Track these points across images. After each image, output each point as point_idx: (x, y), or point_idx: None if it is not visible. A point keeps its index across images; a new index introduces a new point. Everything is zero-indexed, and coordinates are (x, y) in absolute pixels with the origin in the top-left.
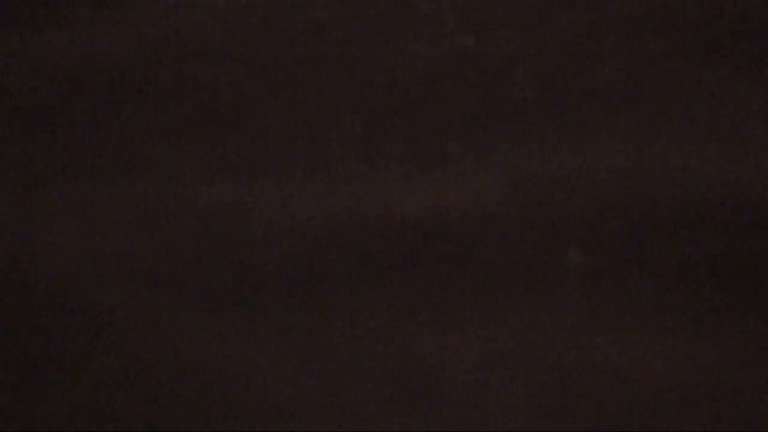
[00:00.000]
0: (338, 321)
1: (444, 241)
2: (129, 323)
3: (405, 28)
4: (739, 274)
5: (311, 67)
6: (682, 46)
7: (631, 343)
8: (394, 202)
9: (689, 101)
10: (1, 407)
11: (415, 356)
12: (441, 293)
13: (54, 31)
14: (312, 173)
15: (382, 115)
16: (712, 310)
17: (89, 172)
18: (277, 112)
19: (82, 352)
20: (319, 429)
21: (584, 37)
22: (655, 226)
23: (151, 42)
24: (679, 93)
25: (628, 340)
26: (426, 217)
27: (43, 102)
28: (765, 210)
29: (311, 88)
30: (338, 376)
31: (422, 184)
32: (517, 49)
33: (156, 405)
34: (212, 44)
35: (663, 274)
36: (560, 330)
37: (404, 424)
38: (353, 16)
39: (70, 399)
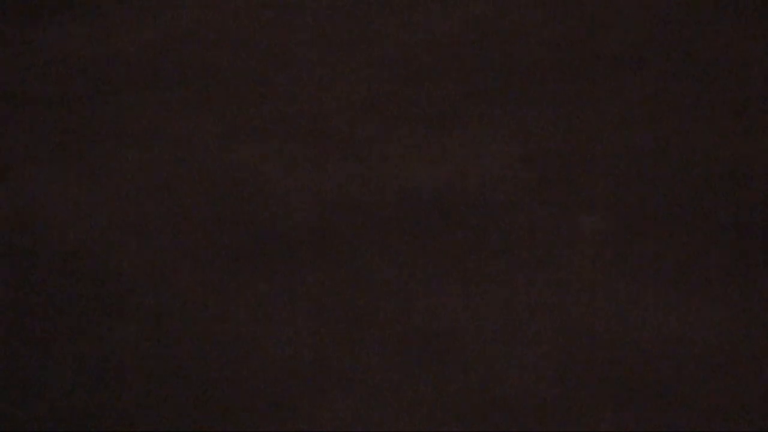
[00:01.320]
0: (355, 284)
1: (461, 207)
2: (146, 286)
3: (420, 5)
4: (753, 241)
5: (323, 46)
6: (693, 9)
7: (647, 305)
8: (410, 169)
9: (702, 65)
10: (21, 360)
11: (432, 319)
12: (458, 258)
13: (78, 23)
14: (327, 140)
15: (397, 84)
16: (727, 273)
17: (107, 143)
18: (287, 85)
19: (100, 313)
20: (335, 390)
21: (597, 4)
22: (669, 193)
23: (168, 34)
24: (692, 56)
25: (644, 302)
26: (443, 184)
27: (66, 89)
28: None
29: (324, 64)
30: (356, 337)
31: (439, 151)
32: (529, 17)
33: (172, 365)
34: (225, 36)
35: (678, 238)
36: (577, 293)
37: (423, 384)
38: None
39: (88, 357)
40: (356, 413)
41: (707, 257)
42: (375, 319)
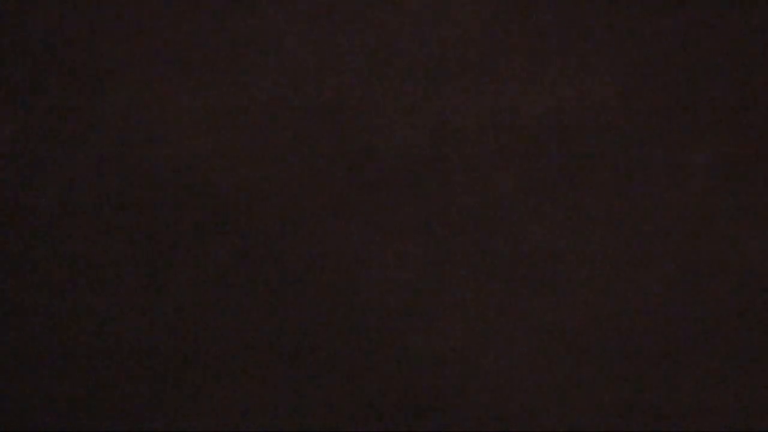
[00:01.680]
0: (456, 213)
1: (566, 138)
2: (253, 206)
3: None
4: None
5: None
6: None
7: (758, 241)
8: (514, 100)
9: None
10: (132, 274)
11: (540, 244)
12: (563, 188)
13: None
14: (430, 70)
15: (498, 15)
16: None
17: (217, 62)
18: (393, 16)
19: (208, 229)
20: (446, 313)
21: None
22: None
23: None
24: None
25: (754, 238)
26: (547, 115)
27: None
28: None
29: None
30: (464, 261)
31: (544, 83)
32: None
33: (275, 289)
34: None
35: None
36: (684, 226)
37: (524, 306)
38: None
39: (195, 270)
40: (467, 335)
41: None
42: (484, 244)
